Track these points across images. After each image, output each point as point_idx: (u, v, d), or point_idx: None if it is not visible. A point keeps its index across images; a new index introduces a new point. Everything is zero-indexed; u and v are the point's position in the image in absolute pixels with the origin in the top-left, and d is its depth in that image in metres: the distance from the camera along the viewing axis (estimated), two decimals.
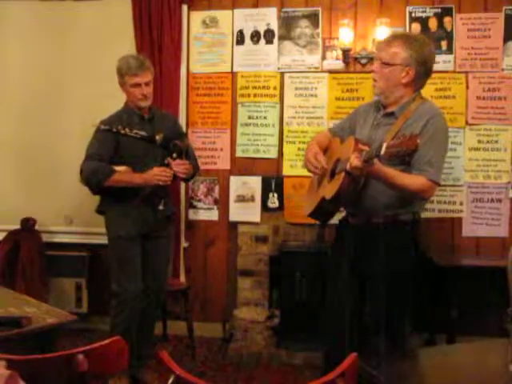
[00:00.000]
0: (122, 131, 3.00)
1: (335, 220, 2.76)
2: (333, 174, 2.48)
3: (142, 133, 3.03)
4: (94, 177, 2.98)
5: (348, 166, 2.23)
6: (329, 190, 2.45)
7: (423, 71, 2.39)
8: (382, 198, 2.42)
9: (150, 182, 2.97)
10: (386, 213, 2.44)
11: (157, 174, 2.96)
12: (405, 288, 2.47)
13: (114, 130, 3.00)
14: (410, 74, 2.37)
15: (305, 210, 2.72)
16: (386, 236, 2.40)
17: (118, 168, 3.01)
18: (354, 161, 2.19)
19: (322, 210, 2.57)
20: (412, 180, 2.32)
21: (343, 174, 2.31)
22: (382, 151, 2.06)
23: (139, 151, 3.04)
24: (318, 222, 3.13)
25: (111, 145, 3.01)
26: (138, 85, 3.01)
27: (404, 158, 2.18)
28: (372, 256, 2.43)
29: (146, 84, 3.03)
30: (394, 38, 2.43)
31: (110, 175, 2.96)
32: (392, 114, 2.46)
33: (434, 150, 2.33)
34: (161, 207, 3.03)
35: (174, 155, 3.03)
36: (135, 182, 3.01)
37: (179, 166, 3.02)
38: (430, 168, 2.32)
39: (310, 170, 2.62)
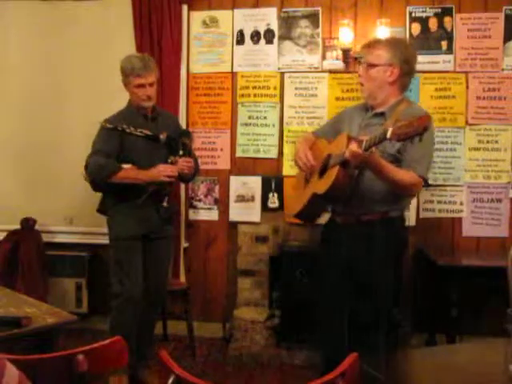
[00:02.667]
0: (128, 130, 3.00)
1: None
2: (323, 172, 2.52)
3: (147, 131, 3.04)
4: (100, 172, 2.98)
5: (347, 154, 2.26)
6: (321, 185, 2.48)
7: (407, 70, 2.49)
8: (374, 195, 2.47)
9: (156, 179, 2.96)
10: (377, 210, 2.49)
11: (162, 171, 2.96)
12: (396, 284, 2.57)
13: (120, 128, 3.00)
14: (394, 72, 2.47)
15: (290, 211, 2.77)
16: (377, 233, 2.46)
17: (123, 166, 3.01)
18: (355, 147, 2.22)
19: (312, 208, 2.60)
20: (404, 174, 2.40)
21: (337, 167, 2.35)
22: (388, 135, 2.08)
23: (144, 150, 3.04)
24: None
25: (117, 143, 3.01)
26: (141, 86, 3.00)
27: (396, 156, 2.34)
28: (364, 254, 2.47)
29: (150, 85, 3.02)
30: (377, 42, 2.58)
31: (116, 171, 2.96)
32: (382, 114, 2.52)
33: (422, 149, 2.40)
34: (165, 204, 3.00)
35: (181, 152, 3.03)
36: (141, 178, 3.00)
37: (185, 163, 3.03)
38: (419, 165, 2.42)
39: (299, 167, 2.69)
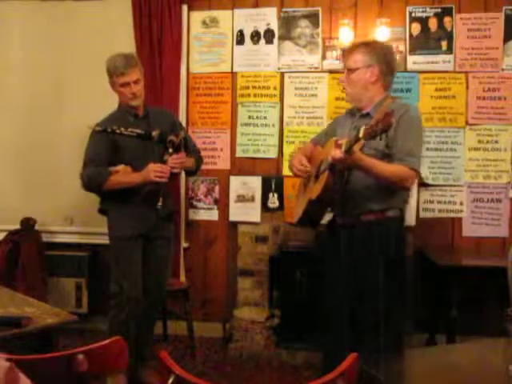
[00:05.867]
0: (117, 131, 2.99)
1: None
2: (317, 177, 2.56)
3: (138, 130, 3.02)
4: (91, 184, 3.01)
5: (330, 159, 2.33)
6: (314, 190, 2.52)
7: (386, 68, 2.56)
8: (367, 192, 2.50)
9: (147, 179, 2.95)
10: (372, 208, 2.51)
11: (152, 171, 2.93)
12: (399, 283, 2.54)
13: (109, 130, 2.98)
14: (374, 72, 2.54)
15: (294, 218, 2.78)
16: (376, 233, 2.48)
17: (116, 168, 3.01)
18: (336, 152, 2.29)
19: (310, 213, 2.62)
20: (394, 168, 2.43)
21: (327, 172, 2.41)
22: (361, 134, 2.16)
23: (137, 149, 3.03)
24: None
25: (108, 146, 3.00)
26: (126, 84, 2.99)
27: (385, 152, 2.40)
28: (364, 254, 2.49)
29: (135, 82, 3.00)
30: (354, 47, 2.64)
31: (106, 180, 2.96)
32: (367, 114, 2.57)
33: (412, 140, 2.45)
34: (159, 204, 2.97)
35: (170, 150, 3.00)
36: (134, 181, 3.00)
37: (175, 161, 3.00)
38: (411, 157, 2.45)
39: (295, 174, 2.73)
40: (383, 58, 2.55)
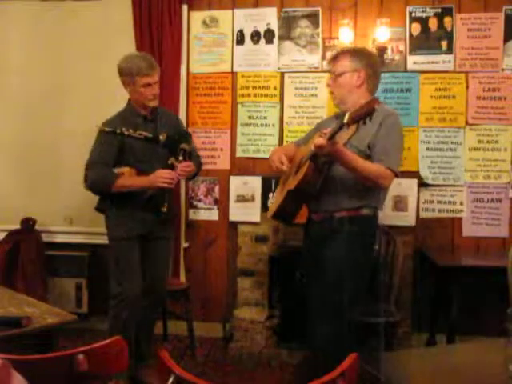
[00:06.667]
0: (126, 132, 2.97)
1: None
2: (298, 172, 2.60)
3: (146, 133, 3.02)
4: (96, 186, 2.99)
5: (312, 147, 2.38)
6: (294, 181, 2.56)
7: (371, 72, 2.65)
8: (344, 189, 2.55)
9: (154, 184, 2.95)
10: (347, 205, 2.56)
11: (161, 177, 2.93)
12: (358, 279, 2.58)
13: (118, 131, 2.97)
14: (361, 76, 2.62)
15: (269, 212, 2.80)
16: (346, 230, 2.54)
17: (121, 170, 2.99)
18: (319, 140, 2.34)
19: (287, 207, 2.64)
20: (372, 166, 2.49)
21: (307, 162, 2.46)
22: (346, 119, 2.22)
23: (144, 152, 3.02)
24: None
25: (115, 147, 2.98)
26: (149, 85, 2.98)
27: (366, 152, 2.49)
28: (333, 250, 2.54)
29: (156, 83, 3.03)
30: (341, 53, 2.71)
31: (112, 183, 2.94)
32: None
33: (391, 142, 2.54)
34: (164, 209, 2.99)
35: (180, 158, 3.00)
36: (140, 184, 2.99)
37: (184, 169, 3.00)
38: (387, 158, 2.51)
39: (274, 170, 2.76)
40: (369, 63, 2.64)
